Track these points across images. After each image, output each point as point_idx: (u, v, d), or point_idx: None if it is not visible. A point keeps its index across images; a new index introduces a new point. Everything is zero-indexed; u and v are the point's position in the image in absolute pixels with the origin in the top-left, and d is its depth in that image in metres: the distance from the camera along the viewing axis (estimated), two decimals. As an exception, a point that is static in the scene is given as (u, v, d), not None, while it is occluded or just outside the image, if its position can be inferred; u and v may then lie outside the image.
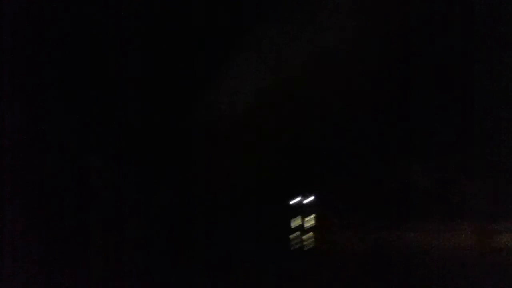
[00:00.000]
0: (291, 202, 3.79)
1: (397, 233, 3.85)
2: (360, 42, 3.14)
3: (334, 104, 3.40)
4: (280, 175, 3.54)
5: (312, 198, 3.77)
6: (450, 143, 3.68)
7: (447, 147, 3.74)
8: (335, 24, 3.14)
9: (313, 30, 3.20)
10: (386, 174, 3.89)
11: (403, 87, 3.32)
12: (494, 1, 2.95)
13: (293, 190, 3.71)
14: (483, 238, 3.59)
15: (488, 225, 3.63)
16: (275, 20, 3.26)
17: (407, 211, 3.85)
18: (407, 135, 3.65)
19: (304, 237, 3.97)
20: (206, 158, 3.45)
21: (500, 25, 3.05)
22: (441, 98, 3.45)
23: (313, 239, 4.00)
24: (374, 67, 3.27)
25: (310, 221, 4.00)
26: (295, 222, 4.00)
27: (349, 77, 3.34)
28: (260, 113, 3.60)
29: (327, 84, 3.41)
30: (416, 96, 3.37)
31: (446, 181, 3.80)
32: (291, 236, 4.02)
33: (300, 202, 3.83)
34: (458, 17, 3.15)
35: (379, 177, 3.80)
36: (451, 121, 3.47)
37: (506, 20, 3.01)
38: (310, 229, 4.03)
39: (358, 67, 3.26)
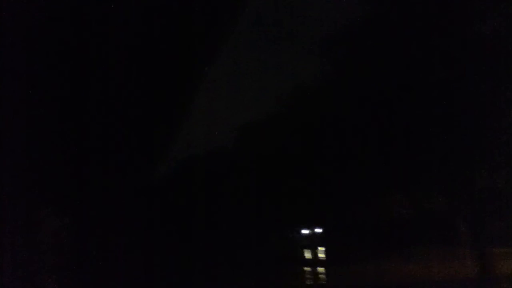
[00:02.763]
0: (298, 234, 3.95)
1: (401, 264, 3.96)
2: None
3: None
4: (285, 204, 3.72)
5: (319, 230, 3.94)
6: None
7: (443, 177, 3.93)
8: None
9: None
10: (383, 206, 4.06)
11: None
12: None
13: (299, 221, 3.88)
14: (484, 264, 3.68)
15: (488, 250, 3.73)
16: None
17: (408, 240, 3.97)
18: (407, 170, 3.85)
19: (315, 270, 4.09)
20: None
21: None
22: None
23: (324, 274, 4.12)
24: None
25: (320, 253, 4.13)
26: (306, 255, 4.13)
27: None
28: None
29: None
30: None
31: (445, 209, 3.95)
32: (303, 270, 4.14)
33: (307, 235, 3.99)
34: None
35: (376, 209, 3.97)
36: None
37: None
38: (321, 262, 4.15)
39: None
